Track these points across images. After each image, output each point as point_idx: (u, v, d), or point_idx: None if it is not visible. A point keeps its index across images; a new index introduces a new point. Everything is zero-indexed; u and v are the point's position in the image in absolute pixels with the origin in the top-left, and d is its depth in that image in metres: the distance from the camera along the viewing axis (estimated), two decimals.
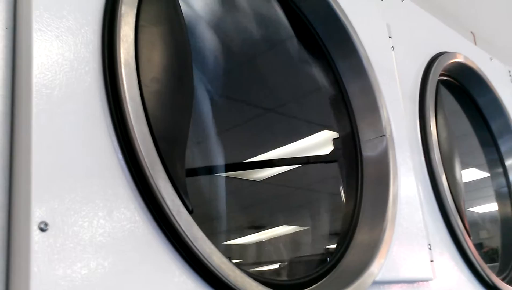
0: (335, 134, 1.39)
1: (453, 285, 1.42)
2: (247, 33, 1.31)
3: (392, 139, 1.31)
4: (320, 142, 1.44)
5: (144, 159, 0.78)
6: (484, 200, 2.13)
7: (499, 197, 2.06)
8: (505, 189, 2.05)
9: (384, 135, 1.30)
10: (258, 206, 1.36)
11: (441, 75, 1.75)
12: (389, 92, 1.39)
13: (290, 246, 1.38)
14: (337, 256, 1.18)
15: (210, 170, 1.24)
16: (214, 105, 1.24)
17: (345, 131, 1.36)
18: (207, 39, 1.21)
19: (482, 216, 2.11)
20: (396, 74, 1.50)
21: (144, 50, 0.84)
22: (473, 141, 2.08)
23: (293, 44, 1.38)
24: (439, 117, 1.61)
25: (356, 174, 1.31)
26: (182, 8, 0.96)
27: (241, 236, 1.28)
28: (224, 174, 1.27)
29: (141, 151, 0.78)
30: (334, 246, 1.27)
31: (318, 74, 1.40)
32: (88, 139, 0.75)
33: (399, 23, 1.62)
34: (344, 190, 1.34)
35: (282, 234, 1.39)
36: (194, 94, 0.94)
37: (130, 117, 0.78)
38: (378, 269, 1.13)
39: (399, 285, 1.25)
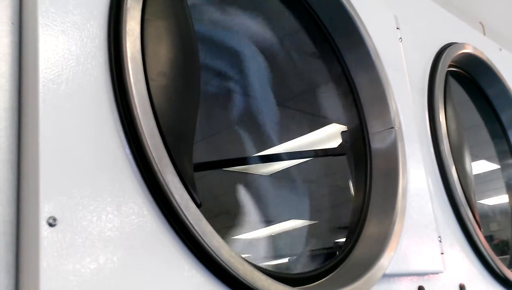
0: (343, 127, 1.38)
1: (464, 278, 1.41)
2: (253, 27, 1.31)
3: (401, 131, 1.31)
4: (328, 136, 1.43)
5: (151, 154, 0.77)
6: (494, 192, 2.12)
7: (509, 189, 2.04)
8: None
9: (392, 127, 1.29)
10: (266, 201, 1.36)
11: (450, 66, 1.74)
12: (397, 83, 1.38)
13: (299, 240, 1.38)
14: (347, 249, 1.17)
15: (218, 165, 1.24)
16: (223, 99, 1.24)
17: (353, 123, 1.35)
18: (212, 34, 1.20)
19: (492, 208, 2.10)
20: (405, 65, 1.49)
21: (151, 44, 0.84)
22: (483, 132, 2.06)
23: (300, 36, 1.37)
24: (448, 108, 1.59)
25: (365, 166, 1.31)
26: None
27: (250, 231, 1.28)
28: (232, 168, 1.26)
29: (148, 145, 0.78)
30: (343, 239, 1.26)
31: (325, 66, 1.39)
32: (95, 134, 0.75)
33: (407, 14, 1.61)
34: (353, 183, 1.33)
35: (291, 229, 1.38)
36: (201, 88, 0.93)
37: (137, 111, 0.78)
38: (388, 261, 1.12)
39: (409, 277, 1.24)
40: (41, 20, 0.73)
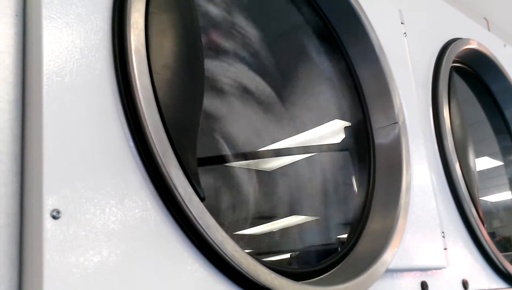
0: (347, 123, 1.37)
1: (467, 273, 1.41)
2: (256, 21, 1.30)
3: (405, 126, 1.30)
4: (332, 131, 1.43)
5: (155, 147, 0.77)
6: (497, 188, 2.11)
7: None
8: None
9: (396, 122, 1.29)
10: (268, 196, 1.35)
11: (454, 61, 1.73)
12: (401, 78, 1.38)
13: (301, 236, 1.37)
14: (350, 244, 1.17)
15: (220, 160, 1.24)
16: (225, 94, 1.23)
17: (357, 118, 1.35)
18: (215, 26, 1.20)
19: (495, 205, 2.09)
20: (409, 60, 1.48)
21: (155, 37, 0.83)
22: (486, 129, 2.06)
23: (304, 30, 1.37)
24: (452, 104, 1.59)
25: (369, 162, 1.30)
26: None
27: (251, 227, 1.27)
28: (234, 164, 1.26)
29: (152, 138, 0.77)
30: (345, 236, 1.26)
31: (329, 61, 1.38)
32: (99, 127, 0.74)
33: (411, 9, 1.60)
34: (356, 179, 1.33)
35: (292, 225, 1.38)
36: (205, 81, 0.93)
37: (141, 104, 0.78)
38: (391, 257, 1.12)
39: (412, 273, 1.24)
40: (45, 12, 0.73)
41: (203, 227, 0.79)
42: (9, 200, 0.68)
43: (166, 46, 0.86)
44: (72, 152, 0.70)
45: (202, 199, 0.81)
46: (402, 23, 1.52)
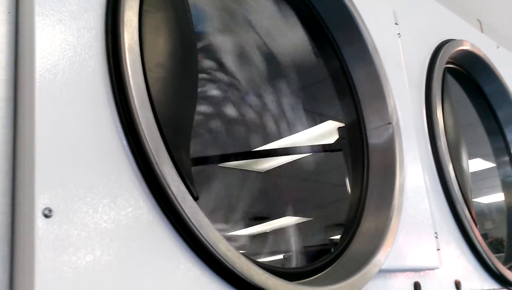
0: (340, 124, 1.37)
1: (460, 274, 1.41)
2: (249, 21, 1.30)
3: (399, 126, 1.30)
4: (325, 132, 1.43)
5: (148, 145, 0.77)
6: (489, 190, 2.12)
7: (505, 186, 2.04)
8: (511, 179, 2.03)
9: (390, 123, 1.29)
10: (262, 197, 1.35)
11: (448, 63, 1.74)
12: (395, 79, 1.38)
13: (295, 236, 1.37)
14: (343, 244, 1.17)
15: (213, 160, 1.23)
16: (219, 95, 1.23)
17: (351, 119, 1.35)
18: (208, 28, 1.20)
19: (487, 206, 2.10)
20: (403, 61, 1.48)
21: (148, 35, 0.83)
22: (479, 130, 2.06)
23: (298, 30, 1.36)
24: (445, 105, 1.59)
25: (362, 162, 1.30)
26: None
27: (245, 227, 1.27)
28: (227, 164, 1.26)
29: (145, 137, 0.77)
30: (338, 237, 1.26)
31: (323, 61, 1.38)
32: (92, 125, 0.74)
33: (405, 10, 1.60)
34: (349, 179, 1.33)
35: (286, 225, 1.38)
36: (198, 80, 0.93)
37: (134, 103, 0.77)
38: (385, 257, 1.12)
39: (406, 273, 1.24)
40: (38, 9, 0.73)
41: (196, 226, 0.79)
42: (0, 198, 0.67)
43: (160, 44, 0.85)
44: (65, 151, 0.70)
45: (195, 198, 0.81)
46: (396, 23, 1.53)
